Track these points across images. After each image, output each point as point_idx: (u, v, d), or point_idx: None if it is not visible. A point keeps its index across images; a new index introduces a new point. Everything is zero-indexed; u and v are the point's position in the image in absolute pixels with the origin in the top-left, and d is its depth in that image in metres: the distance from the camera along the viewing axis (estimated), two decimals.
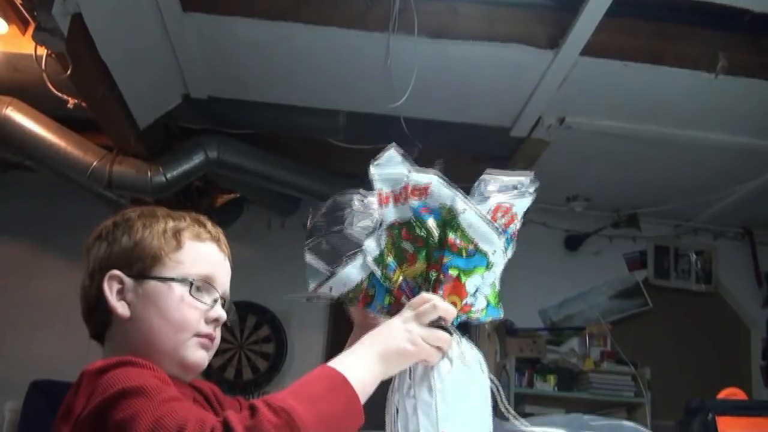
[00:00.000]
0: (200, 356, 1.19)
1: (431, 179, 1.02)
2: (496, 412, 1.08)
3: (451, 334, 1.04)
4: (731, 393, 2.22)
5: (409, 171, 1.04)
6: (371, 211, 1.08)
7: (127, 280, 1.18)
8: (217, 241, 1.26)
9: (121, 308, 1.17)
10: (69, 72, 3.07)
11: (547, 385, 4.67)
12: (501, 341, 4.81)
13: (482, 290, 1.05)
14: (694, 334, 5.22)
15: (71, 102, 3.44)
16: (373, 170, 1.07)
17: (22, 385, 4.21)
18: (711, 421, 1.98)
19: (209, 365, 1.22)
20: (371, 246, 1.06)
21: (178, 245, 1.21)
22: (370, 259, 1.05)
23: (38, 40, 2.89)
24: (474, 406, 1.00)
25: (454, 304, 1.03)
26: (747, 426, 1.95)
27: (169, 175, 4.02)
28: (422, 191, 1.02)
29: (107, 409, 0.96)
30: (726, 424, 1.97)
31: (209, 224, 1.27)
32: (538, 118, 3.92)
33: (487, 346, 4.75)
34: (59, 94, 3.35)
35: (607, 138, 4.06)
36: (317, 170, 4.47)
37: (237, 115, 4.14)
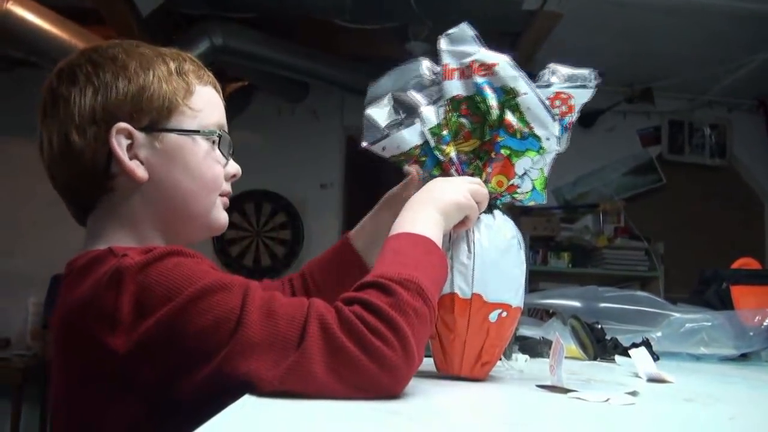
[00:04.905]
0: (225, 217, 1.09)
1: (499, 59, 1.04)
2: None
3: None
4: (745, 263, 2.23)
5: (479, 48, 1.05)
6: (437, 81, 1.08)
7: (138, 135, 0.98)
8: (215, 83, 1.10)
9: (140, 170, 0.98)
10: None
11: (561, 262, 4.74)
12: (515, 220, 4.84)
13: (530, 174, 1.08)
14: (707, 208, 5.23)
15: None
16: (443, 43, 1.07)
17: (44, 280, 4.32)
18: (725, 290, 2.00)
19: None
20: (430, 115, 1.06)
21: (189, 90, 1.03)
22: (426, 128, 1.06)
23: None
24: (508, 276, 1.03)
25: (500, 183, 1.06)
26: (761, 294, 1.97)
27: None
28: (488, 69, 1.04)
29: (182, 315, 0.79)
30: (740, 292, 1.99)
31: (200, 63, 1.10)
32: None
33: None
34: None
35: (621, 8, 3.95)
36: (324, 53, 4.40)
37: None
